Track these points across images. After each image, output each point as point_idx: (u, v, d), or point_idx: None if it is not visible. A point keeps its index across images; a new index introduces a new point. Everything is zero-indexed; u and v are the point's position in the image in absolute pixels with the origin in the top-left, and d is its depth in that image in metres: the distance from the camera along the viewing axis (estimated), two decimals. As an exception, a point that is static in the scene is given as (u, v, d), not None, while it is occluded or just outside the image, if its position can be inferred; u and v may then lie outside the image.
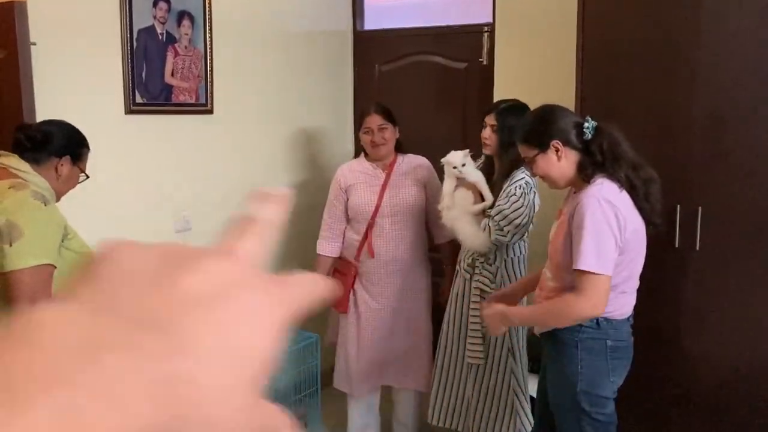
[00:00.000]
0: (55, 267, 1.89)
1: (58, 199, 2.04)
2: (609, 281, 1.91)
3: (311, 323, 3.78)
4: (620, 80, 2.56)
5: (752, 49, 2.29)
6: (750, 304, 2.39)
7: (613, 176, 1.95)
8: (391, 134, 3.01)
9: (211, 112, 3.13)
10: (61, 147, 2.03)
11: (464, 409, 2.82)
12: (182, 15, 2.96)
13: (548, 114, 2.06)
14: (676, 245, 2.47)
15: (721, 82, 2.36)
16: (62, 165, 2.03)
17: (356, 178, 3.09)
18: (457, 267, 2.84)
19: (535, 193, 2.57)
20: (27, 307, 1.20)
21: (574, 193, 2.07)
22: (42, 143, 2.00)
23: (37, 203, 1.89)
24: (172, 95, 2.96)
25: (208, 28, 3.06)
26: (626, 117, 2.45)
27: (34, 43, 2.35)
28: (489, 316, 2.18)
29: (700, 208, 2.42)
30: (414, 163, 3.09)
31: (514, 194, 2.54)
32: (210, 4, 3.05)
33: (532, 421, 2.68)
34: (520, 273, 2.70)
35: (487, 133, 2.66)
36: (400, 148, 3.08)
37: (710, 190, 2.41)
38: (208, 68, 3.09)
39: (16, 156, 1.96)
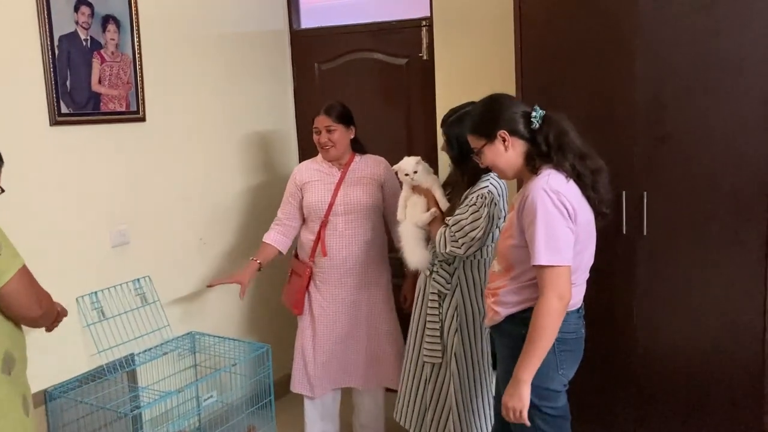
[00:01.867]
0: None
1: None
2: (569, 270, 1.88)
3: (261, 333, 3.70)
4: (561, 70, 2.54)
5: (690, 36, 2.29)
6: (697, 287, 2.40)
7: (559, 166, 1.92)
8: (340, 135, 2.95)
9: (143, 119, 3.00)
10: None
11: (422, 410, 2.76)
12: (107, 20, 2.82)
13: (495, 103, 2.02)
14: (624, 232, 2.47)
15: (660, 69, 2.35)
16: None
17: (312, 176, 3.03)
18: None
19: (496, 203, 2.45)
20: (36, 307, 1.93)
21: (524, 184, 2.04)
22: None
23: None
24: (101, 103, 2.82)
25: (135, 32, 2.93)
26: (568, 106, 2.40)
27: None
28: (510, 405, 1.94)
29: (645, 194, 2.42)
30: (371, 161, 3.05)
31: (474, 203, 2.44)
32: (136, 7, 2.92)
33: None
34: (479, 276, 2.61)
35: (443, 145, 2.59)
36: (360, 148, 3.03)
37: (654, 176, 2.41)
38: (138, 74, 2.95)
39: None
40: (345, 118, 2.98)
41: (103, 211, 2.86)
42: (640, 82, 2.38)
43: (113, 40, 2.85)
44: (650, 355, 2.51)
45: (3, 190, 1.98)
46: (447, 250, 2.46)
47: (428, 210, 2.58)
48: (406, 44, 3.55)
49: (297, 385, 3.11)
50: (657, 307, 2.47)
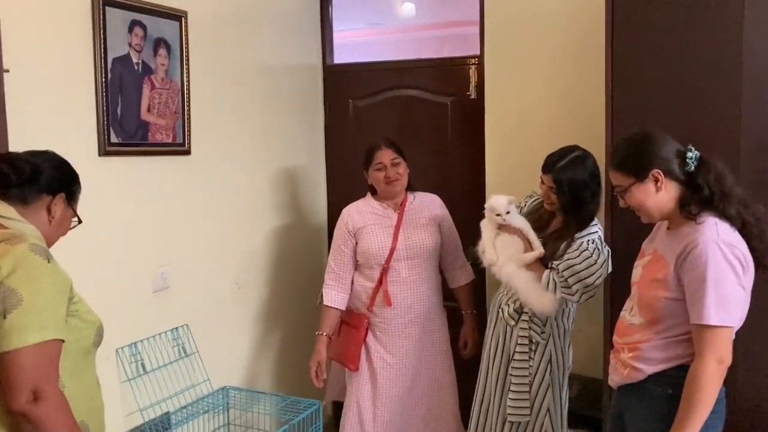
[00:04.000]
0: (63, 341, 1.49)
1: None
2: (732, 331, 1.72)
3: (310, 388, 3.45)
4: (657, 110, 2.42)
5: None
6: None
7: (723, 214, 1.77)
8: (404, 169, 2.77)
9: (188, 152, 2.75)
10: (54, 182, 1.64)
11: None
12: (158, 43, 2.59)
13: (648, 140, 1.86)
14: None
15: (765, 112, 2.27)
16: (56, 205, 1.63)
17: (366, 220, 2.79)
18: (495, 312, 2.57)
19: (609, 251, 2.33)
20: (26, 396, 1.42)
21: (668, 229, 1.88)
22: (32, 178, 1.60)
23: (39, 259, 1.49)
24: (149, 134, 2.57)
25: (185, 58, 2.71)
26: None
27: (7, 71, 1.93)
28: None
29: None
30: (426, 200, 2.84)
31: (587, 249, 2.30)
32: (187, 31, 2.70)
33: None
34: (566, 326, 2.48)
35: (545, 192, 2.44)
36: (410, 185, 2.82)
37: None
38: (185, 104, 2.72)
39: None
40: (403, 152, 2.81)
41: (147, 252, 2.59)
42: (744, 125, 2.28)
43: (164, 65, 2.62)
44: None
45: (80, 221, 1.73)
46: (558, 296, 2.31)
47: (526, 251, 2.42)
48: (452, 82, 3.42)
49: (351, 446, 2.84)
50: None
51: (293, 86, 3.45)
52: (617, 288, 2.41)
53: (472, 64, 3.35)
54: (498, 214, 2.44)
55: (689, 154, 1.81)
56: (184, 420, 2.68)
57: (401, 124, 3.54)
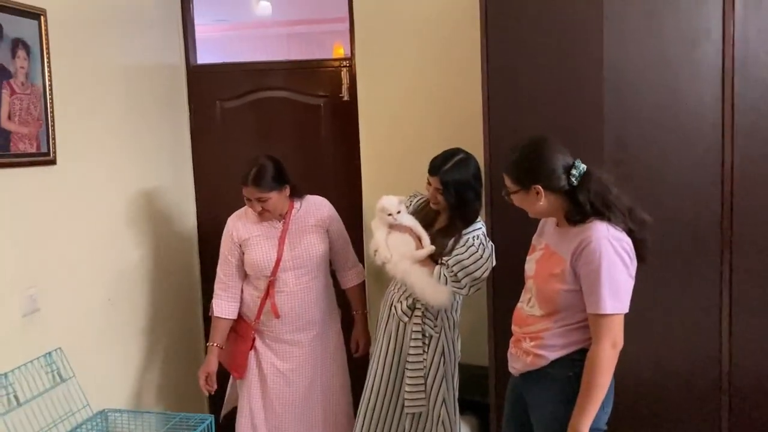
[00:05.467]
0: None
1: None
2: (622, 318, 1.90)
3: (196, 402, 3.32)
4: (526, 101, 2.58)
5: (650, 81, 2.47)
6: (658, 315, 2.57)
7: (611, 221, 1.93)
8: (275, 202, 2.68)
9: (54, 162, 2.54)
10: None
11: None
12: (16, 44, 2.36)
13: (535, 153, 1.98)
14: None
15: (625, 107, 2.50)
16: None
17: (251, 231, 2.74)
18: (387, 310, 2.63)
19: (492, 245, 2.47)
20: None
21: (558, 225, 2.04)
22: None
23: None
24: (11, 144, 2.34)
25: (46, 59, 2.49)
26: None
27: None
28: None
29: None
30: (312, 205, 2.83)
31: (473, 245, 2.44)
32: (47, 31, 2.48)
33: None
34: (455, 318, 2.62)
35: (432, 194, 2.53)
36: (296, 192, 2.79)
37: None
38: (49, 109, 2.51)
39: None
40: (277, 181, 2.66)
41: (12, 273, 2.36)
42: (607, 121, 2.49)
43: (23, 68, 2.39)
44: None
45: None
46: (449, 290, 2.42)
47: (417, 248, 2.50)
48: (323, 84, 3.43)
49: (244, 456, 2.78)
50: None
51: (157, 87, 3.28)
52: (499, 279, 2.58)
53: (344, 66, 3.38)
54: (389, 214, 2.51)
55: (574, 171, 1.95)
56: (63, 451, 2.48)
57: (272, 126, 3.50)
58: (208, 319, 3.55)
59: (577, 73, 2.52)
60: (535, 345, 2.03)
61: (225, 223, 2.81)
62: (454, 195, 2.47)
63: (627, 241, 1.92)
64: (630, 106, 2.49)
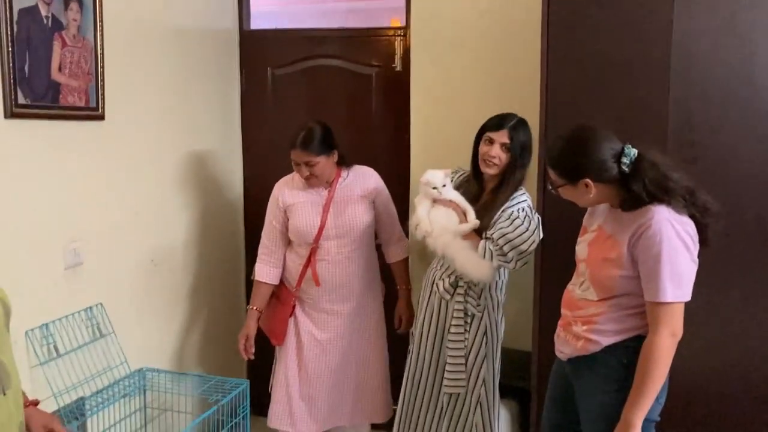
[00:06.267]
0: None
1: None
2: (683, 305, 1.78)
3: (234, 367, 3.33)
4: (589, 84, 2.46)
5: (723, 60, 2.32)
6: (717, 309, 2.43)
7: (671, 204, 1.80)
8: (323, 166, 2.63)
9: (102, 117, 2.53)
10: None
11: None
12: (69, -4, 2.35)
13: (583, 143, 1.86)
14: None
15: (692, 83, 2.35)
16: None
17: (297, 197, 2.69)
18: (429, 287, 2.56)
19: (539, 218, 2.38)
20: None
21: (611, 206, 1.92)
22: None
23: None
24: (60, 96, 2.34)
25: (98, 13, 2.48)
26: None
27: None
28: None
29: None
30: (359, 175, 2.77)
31: (518, 217, 2.34)
32: (100, -15, 2.47)
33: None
34: (500, 298, 2.52)
35: (495, 151, 2.42)
36: (344, 161, 2.73)
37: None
38: (99, 64, 2.50)
39: None
40: (326, 146, 2.62)
41: (57, 225, 2.36)
42: (673, 104, 2.36)
43: (75, 20, 2.38)
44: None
45: None
46: (495, 265, 2.34)
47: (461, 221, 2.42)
48: (376, 54, 3.35)
49: (275, 420, 2.76)
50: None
51: (208, 51, 3.26)
52: (547, 261, 2.46)
53: (398, 35, 3.30)
54: (434, 188, 2.43)
55: (624, 159, 1.82)
56: (100, 406, 2.49)
57: (322, 94, 3.44)
58: (250, 284, 3.55)
59: (644, 43, 2.39)
60: (587, 329, 1.91)
61: (272, 190, 2.79)
62: (519, 152, 2.40)
63: (690, 224, 1.79)
64: (698, 81, 2.34)
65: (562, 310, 2.05)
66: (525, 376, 2.65)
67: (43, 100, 2.26)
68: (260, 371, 3.17)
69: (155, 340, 2.94)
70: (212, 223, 3.30)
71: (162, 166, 2.94)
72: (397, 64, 3.30)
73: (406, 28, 3.24)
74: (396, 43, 3.30)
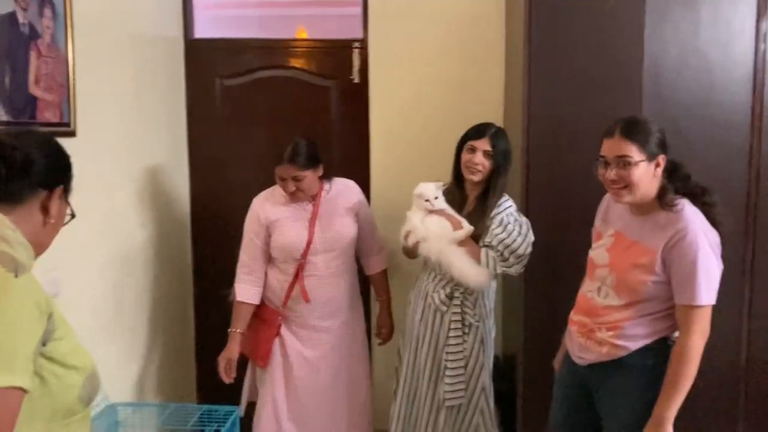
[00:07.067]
0: (26, 391, 1.13)
1: (37, 254, 1.30)
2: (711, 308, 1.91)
3: (219, 392, 3.15)
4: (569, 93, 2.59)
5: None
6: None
7: (692, 202, 1.94)
8: (310, 181, 2.58)
9: (74, 134, 2.32)
10: (51, 173, 1.31)
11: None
12: (43, 2, 2.14)
13: (659, 128, 1.96)
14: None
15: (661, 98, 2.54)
16: (53, 201, 1.31)
17: (280, 213, 2.61)
18: (422, 301, 2.57)
19: (527, 220, 2.47)
20: None
21: (635, 213, 2.01)
22: (23, 169, 1.25)
23: (4, 273, 1.15)
24: (37, 111, 2.12)
25: (70, 22, 2.27)
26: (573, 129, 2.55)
27: None
28: None
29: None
30: (342, 188, 2.73)
31: (509, 222, 2.42)
32: (70, -11, 2.27)
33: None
34: (491, 303, 2.58)
35: (478, 159, 2.46)
36: (326, 173, 2.68)
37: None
38: (71, 76, 2.29)
39: None
40: (313, 160, 2.58)
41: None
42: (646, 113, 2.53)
43: (49, 28, 2.17)
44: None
45: (74, 216, 1.40)
46: (498, 271, 2.41)
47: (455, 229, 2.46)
48: (333, 65, 3.31)
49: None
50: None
51: (158, 61, 3.07)
52: (531, 266, 2.54)
53: (356, 47, 3.29)
54: (427, 200, 2.47)
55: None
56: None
57: (277, 105, 3.35)
58: (199, 304, 3.40)
59: (618, 64, 2.56)
60: (613, 335, 1.99)
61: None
62: (501, 159, 2.46)
63: (715, 233, 1.93)
64: (667, 97, 2.54)
65: (580, 317, 2.10)
66: (500, 378, 2.73)
67: (22, 116, 2.04)
68: (215, 394, 3.01)
69: (114, 370, 2.72)
70: (163, 242, 3.12)
71: (123, 183, 2.74)
72: (355, 76, 3.28)
73: (364, 40, 3.24)
74: (354, 55, 3.28)
